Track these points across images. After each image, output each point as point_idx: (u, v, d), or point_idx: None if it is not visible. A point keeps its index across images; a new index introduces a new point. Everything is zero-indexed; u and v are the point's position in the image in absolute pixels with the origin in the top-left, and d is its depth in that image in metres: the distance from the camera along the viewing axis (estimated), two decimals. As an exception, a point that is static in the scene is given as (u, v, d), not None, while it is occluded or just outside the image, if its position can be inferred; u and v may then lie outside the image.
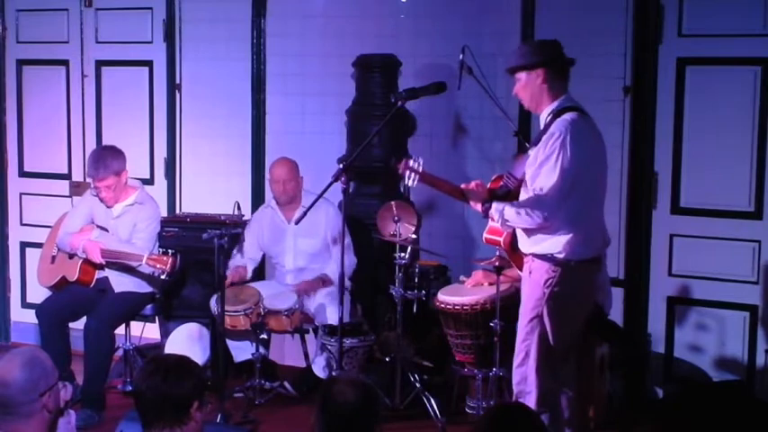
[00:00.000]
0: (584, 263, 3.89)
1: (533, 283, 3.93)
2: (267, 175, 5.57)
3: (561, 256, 3.85)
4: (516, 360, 4.02)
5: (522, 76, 3.96)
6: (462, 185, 4.07)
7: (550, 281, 3.87)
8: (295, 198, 5.44)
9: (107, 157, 5.22)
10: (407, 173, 4.09)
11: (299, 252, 5.48)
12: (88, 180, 6.13)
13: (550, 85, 3.91)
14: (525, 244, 3.99)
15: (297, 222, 5.08)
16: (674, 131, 5.26)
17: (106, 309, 5.17)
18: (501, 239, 4.18)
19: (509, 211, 3.87)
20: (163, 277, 4.99)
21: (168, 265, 4.91)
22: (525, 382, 3.98)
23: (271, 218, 5.51)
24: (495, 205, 3.93)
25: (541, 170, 3.82)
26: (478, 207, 4.01)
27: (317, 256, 5.46)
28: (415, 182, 4.10)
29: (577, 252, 3.86)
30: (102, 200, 5.29)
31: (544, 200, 3.79)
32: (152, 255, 5.02)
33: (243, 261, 5.50)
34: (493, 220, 4.03)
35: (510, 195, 3.99)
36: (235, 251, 5.51)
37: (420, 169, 4.09)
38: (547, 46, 3.98)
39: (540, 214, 3.80)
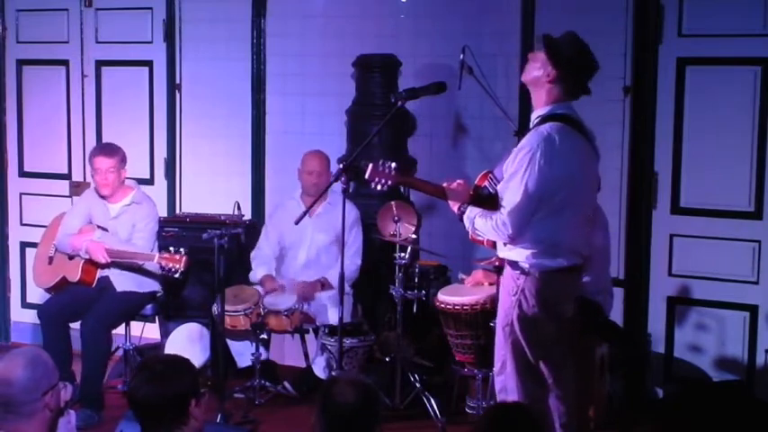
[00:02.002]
0: (552, 273, 3.77)
1: (504, 290, 3.89)
2: (298, 166, 5.53)
3: (525, 266, 3.77)
4: (495, 368, 3.96)
5: (540, 57, 3.79)
6: (444, 184, 3.92)
7: (516, 289, 3.79)
8: (322, 191, 5.41)
9: (114, 145, 5.36)
10: (376, 179, 3.88)
11: (313, 246, 5.51)
12: (89, 180, 6.16)
13: (553, 87, 3.76)
14: (499, 248, 3.93)
15: (296, 223, 5.05)
16: (674, 131, 5.26)
17: (103, 308, 5.17)
18: (485, 239, 4.09)
19: (479, 221, 3.79)
20: (177, 276, 5.01)
21: (182, 264, 4.93)
22: (506, 390, 3.90)
23: (294, 211, 5.49)
24: (468, 211, 3.84)
25: (509, 185, 3.73)
26: (455, 208, 3.89)
27: (329, 253, 5.47)
28: (386, 187, 3.90)
29: (542, 264, 3.75)
30: (97, 185, 5.29)
31: (509, 218, 3.70)
32: (163, 254, 5.02)
33: (269, 263, 5.56)
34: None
35: (492, 198, 3.85)
36: (261, 242, 5.59)
37: (392, 173, 3.87)
38: (582, 58, 3.77)
39: (504, 232, 3.72)
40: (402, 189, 5.68)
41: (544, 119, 3.76)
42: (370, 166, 3.89)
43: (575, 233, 3.85)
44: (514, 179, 3.70)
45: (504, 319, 3.86)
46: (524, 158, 3.68)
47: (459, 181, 3.91)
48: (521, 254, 3.78)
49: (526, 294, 3.77)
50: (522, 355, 3.84)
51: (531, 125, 3.84)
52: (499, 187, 3.82)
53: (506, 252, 3.85)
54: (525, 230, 3.73)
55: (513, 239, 3.75)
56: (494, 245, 4.05)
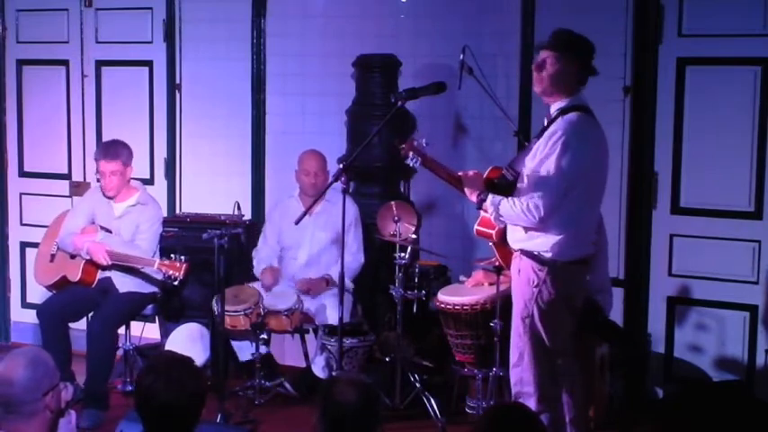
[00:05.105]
0: (571, 264, 3.87)
1: (522, 283, 3.91)
2: (296, 167, 5.53)
3: (548, 255, 3.83)
4: (512, 360, 4.01)
5: (555, 57, 3.85)
6: (460, 173, 4.07)
7: (537, 281, 3.85)
8: (321, 191, 5.41)
9: (118, 145, 5.34)
10: (411, 154, 4.05)
11: (314, 245, 5.50)
12: (89, 180, 6.17)
13: (575, 77, 3.87)
14: (515, 239, 3.96)
15: (297, 223, 5.05)
16: (674, 131, 5.26)
17: (109, 309, 5.18)
18: (493, 232, 4.12)
19: (505, 205, 3.86)
20: (175, 283, 5.00)
21: (182, 272, 4.92)
22: (522, 383, 3.97)
23: (294, 209, 5.47)
24: (491, 198, 3.91)
25: (541, 168, 3.80)
26: (473, 197, 3.98)
27: (330, 252, 5.47)
28: (418, 163, 4.06)
29: (565, 253, 3.84)
30: (102, 188, 5.29)
31: (541, 200, 3.76)
32: (164, 261, 5.02)
33: (270, 259, 5.55)
34: (486, 212, 3.99)
35: (509, 188, 3.95)
36: (260, 244, 5.59)
37: (424, 151, 4.05)
38: (589, 45, 3.91)
39: (535, 214, 3.77)
40: (402, 189, 5.69)
41: (566, 110, 3.85)
42: (410, 139, 4.10)
43: (592, 221, 3.97)
44: (547, 162, 3.78)
45: (523, 311, 3.90)
46: (557, 144, 3.76)
47: (473, 171, 4.07)
48: (545, 243, 3.83)
49: (548, 285, 3.83)
50: (540, 346, 3.89)
51: (552, 116, 3.90)
52: (528, 169, 3.86)
53: (528, 243, 3.88)
54: (554, 215, 3.78)
55: (544, 223, 3.79)
56: (502, 238, 4.06)
